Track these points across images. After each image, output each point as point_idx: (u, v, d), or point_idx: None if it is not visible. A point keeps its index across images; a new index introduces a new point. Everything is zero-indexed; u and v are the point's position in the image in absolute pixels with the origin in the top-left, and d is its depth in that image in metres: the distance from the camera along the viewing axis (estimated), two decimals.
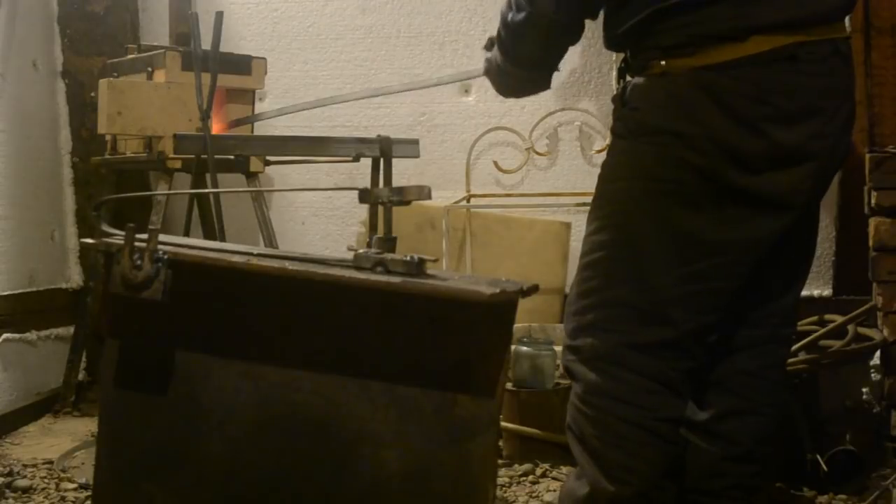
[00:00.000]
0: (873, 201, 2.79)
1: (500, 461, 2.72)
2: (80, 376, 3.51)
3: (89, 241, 1.83)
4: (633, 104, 1.96)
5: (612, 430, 1.97)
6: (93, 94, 3.35)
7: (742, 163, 1.87)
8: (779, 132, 1.86)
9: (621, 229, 1.96)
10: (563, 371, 2.13)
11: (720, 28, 1.85)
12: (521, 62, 2.10)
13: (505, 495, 2.57)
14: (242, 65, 3.28)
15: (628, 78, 2.02)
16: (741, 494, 2.08)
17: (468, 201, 3.63)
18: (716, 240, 1.92)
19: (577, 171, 3.65)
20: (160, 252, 1.69)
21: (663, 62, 1.90)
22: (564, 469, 2.73)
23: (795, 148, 1.88)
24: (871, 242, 2.82)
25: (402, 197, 1.84)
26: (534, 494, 2.60)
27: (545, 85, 2.18)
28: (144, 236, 1.71)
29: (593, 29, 2.09)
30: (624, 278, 1.95)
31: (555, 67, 2.14)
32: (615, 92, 2.07)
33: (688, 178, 1.89)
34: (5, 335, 3.21)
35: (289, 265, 1.69)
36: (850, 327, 2.85)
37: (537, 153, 3.64)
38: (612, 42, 2.04)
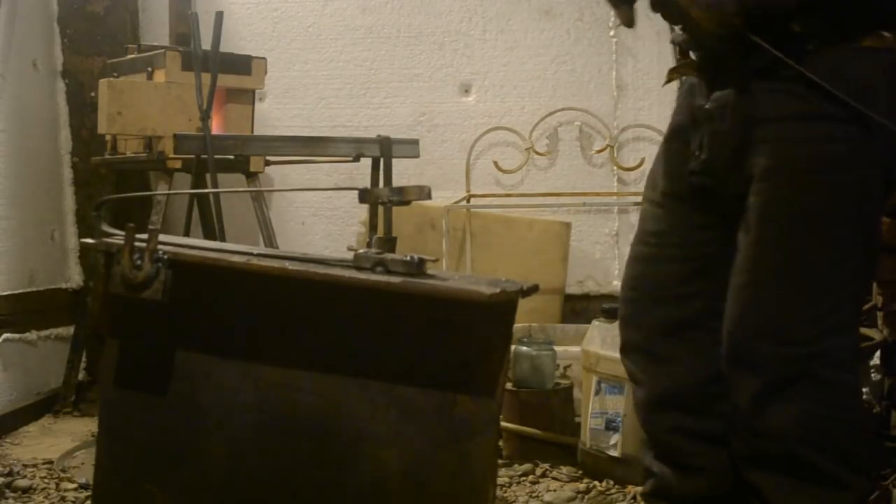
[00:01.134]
0: None
1: (500, 461, 2.71)
2: (80, 376, 3.51)
3: (89, 241, 1.83)
4: (862, 81, 1.73)
5: (860, 424, 1.92)
6: (93, 94, 3.35)
7: None
8: None
9: (858, 225, 1.82)
10: (790, 380, 1.80)
11: None
12: None
13: (505, 495, 2.56)
14: (242, 65, 3.28)
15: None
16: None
17: (468, 201, 3.63)
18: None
19: (577, 171, 3.65)
20: (160, 252, 1.69)
21: (887, 34, 1.71)
22: (564, 469, 2.73)
23: None
24: None
25: (402, 197, 1.84)
26: (534, 494, 2.59)
27: None
28: (144, 236, 1.72)
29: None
30: (861, 275, 1.89)
31: None
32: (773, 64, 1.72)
33: None
34: (5, 335, 3.21)
35: (289, 265, 1.69)
36: None
37: (537, 153, 3.64)
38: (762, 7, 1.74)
